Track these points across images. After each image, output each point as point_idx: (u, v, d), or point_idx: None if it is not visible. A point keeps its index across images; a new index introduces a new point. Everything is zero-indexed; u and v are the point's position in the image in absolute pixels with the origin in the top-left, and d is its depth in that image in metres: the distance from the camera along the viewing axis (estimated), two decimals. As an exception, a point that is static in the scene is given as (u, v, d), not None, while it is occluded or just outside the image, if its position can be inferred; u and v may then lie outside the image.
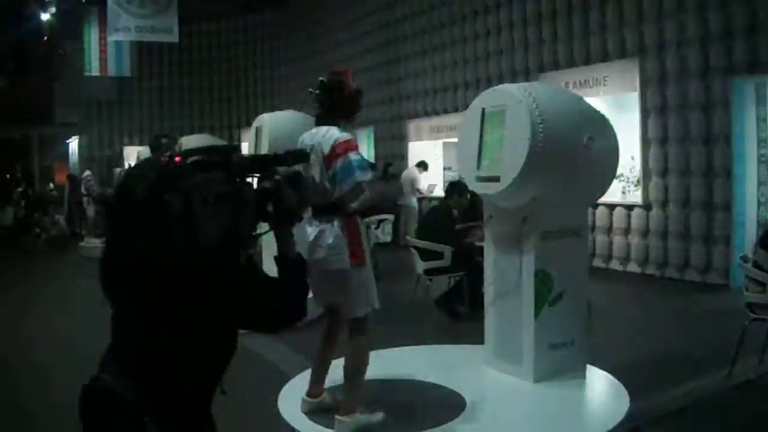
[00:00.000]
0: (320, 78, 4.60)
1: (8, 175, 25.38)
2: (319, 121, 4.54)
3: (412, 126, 16.60)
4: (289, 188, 2.15)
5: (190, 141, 2.51)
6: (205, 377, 2.13)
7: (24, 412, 5.76)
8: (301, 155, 2.37)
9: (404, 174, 15.55)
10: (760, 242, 5.68)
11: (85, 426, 2.03)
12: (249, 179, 2.11)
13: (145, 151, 13.02)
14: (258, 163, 2.19)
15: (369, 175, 4.35)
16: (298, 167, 2.70)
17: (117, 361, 2.04)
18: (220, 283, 2.00)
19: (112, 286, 2.08)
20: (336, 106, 4.52)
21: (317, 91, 4.56)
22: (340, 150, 4.30)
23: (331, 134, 4.38)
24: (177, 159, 1.96)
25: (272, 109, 14.23)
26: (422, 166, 15.46)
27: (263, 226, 2.21)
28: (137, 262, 1.96)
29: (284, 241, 2.21)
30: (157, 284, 1.96)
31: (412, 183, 15.31)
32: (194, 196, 1.90)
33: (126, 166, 14.49)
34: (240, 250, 2.09)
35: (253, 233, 2.18)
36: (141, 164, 2.10)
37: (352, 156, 4.30)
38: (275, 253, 2.23)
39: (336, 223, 4.38)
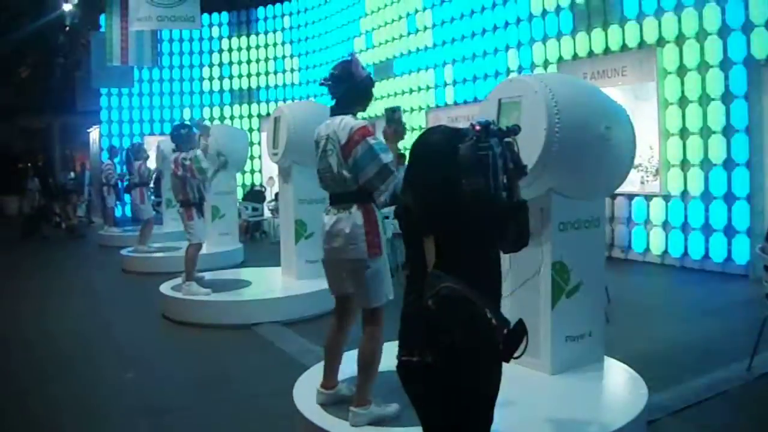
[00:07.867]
0: (331, 70, 4.61)
1: (21, 165, 25.47)
2: (334, 112, 4.54)
3: (431, 117, 16.55)
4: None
5: None
6: (499, 277, 2.86)
7: (50, 399, 5.83)
8: (514, 129, 2.98)
9: None
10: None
11: (439, 322, 2.59)
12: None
13: (166, 141, 12.99)
14: (501, 131, 2.87)
15: (391, 156, 4.35)
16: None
17: (449, 275, 2.63)
18: (487, 211, 2.69)
19: (411, 227, 2.80)
20: (348, 95, 4.52)
21: (329, 83, 4.57)
22: (358, 137, 4.30)
23: (345, 123, 4.38)
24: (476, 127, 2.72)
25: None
26: None
27: None
28: (431, 196, 2.69)
29: (515, 188, 2.94)
30: (448, 214, 2.66)
31: None
32: (473, 147, 2.66)
33: (144, 157, 14.46)
34: (499, 190, 2.77)
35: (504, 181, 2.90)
36: (434, 128, 2.88)
37: (371, 141, 4.29)
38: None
39: (353, 211, 4.38)
